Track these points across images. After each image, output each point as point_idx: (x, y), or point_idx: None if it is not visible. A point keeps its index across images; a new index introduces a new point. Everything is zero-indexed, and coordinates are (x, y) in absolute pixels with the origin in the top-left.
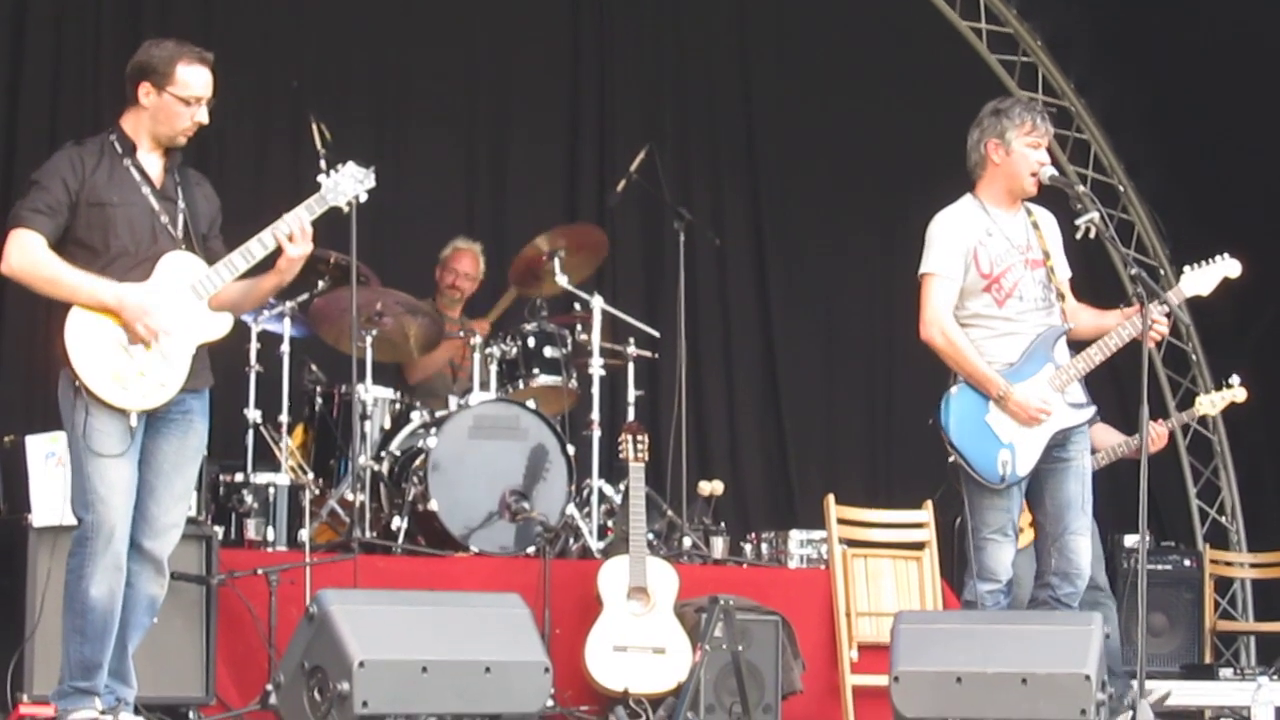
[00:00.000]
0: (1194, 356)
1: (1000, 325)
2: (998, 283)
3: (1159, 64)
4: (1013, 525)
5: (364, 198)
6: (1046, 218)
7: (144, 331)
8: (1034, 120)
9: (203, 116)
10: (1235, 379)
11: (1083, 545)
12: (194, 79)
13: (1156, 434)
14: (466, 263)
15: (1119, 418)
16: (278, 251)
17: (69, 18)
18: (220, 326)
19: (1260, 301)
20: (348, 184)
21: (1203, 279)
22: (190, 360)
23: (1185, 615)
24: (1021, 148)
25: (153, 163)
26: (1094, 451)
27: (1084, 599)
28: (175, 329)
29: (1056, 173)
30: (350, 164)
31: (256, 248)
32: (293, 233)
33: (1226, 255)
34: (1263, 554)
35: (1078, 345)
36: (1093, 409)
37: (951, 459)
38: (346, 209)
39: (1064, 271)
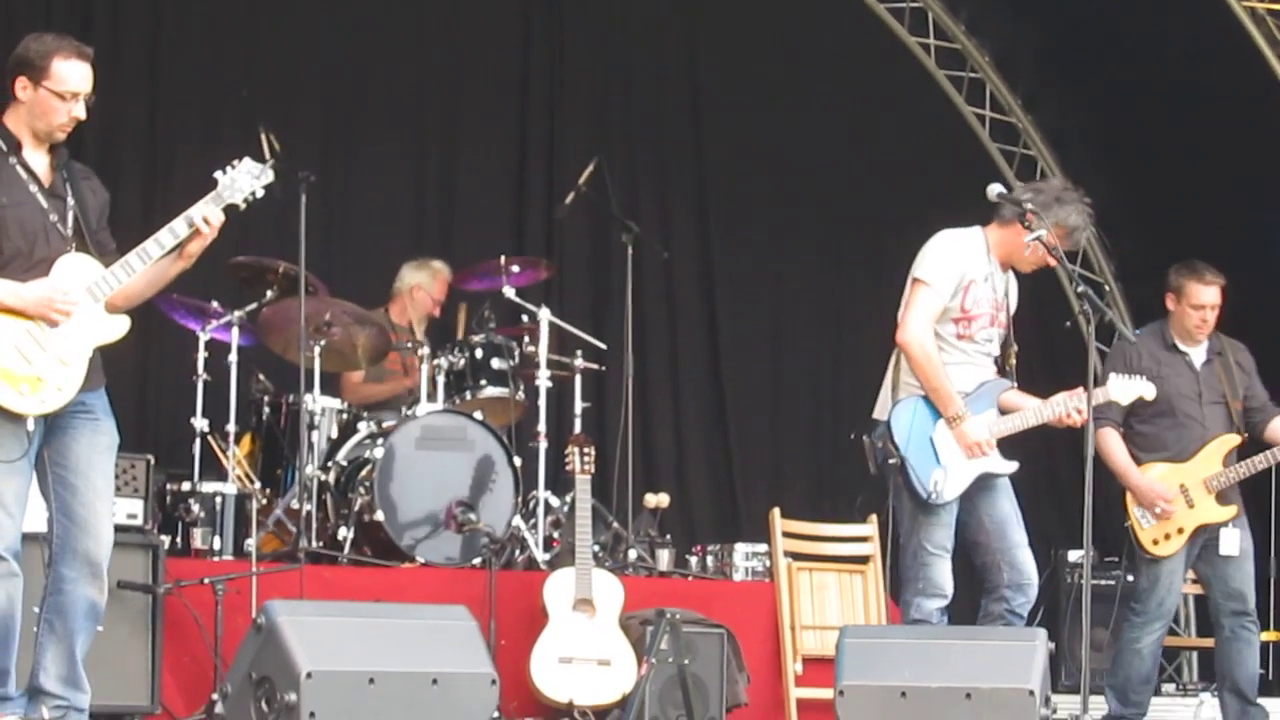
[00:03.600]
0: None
1: (957, 355)
2: (968, 322)
3: (1105, 81)
4: (950, 542)
5: (261, 194)
6: (1014, 288)
7: (59, 314)
8: (1076, 235)
9: (80, 112)
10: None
11: (1029, 556)
12: (70, 73)
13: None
14: (443, 288)
15: None
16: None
17: (16, 28)
18: (117, 328)
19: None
20: (244, 181)
21: (1125, 389)
22: (87, 363)
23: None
24: (1051, 251)
25: (39, 160)
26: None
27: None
28: (73, 331)
29: (1004, 189)
30: (247, 160)
31: (154, 248)
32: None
33: (1147, 381)
34: None
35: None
36: (1015, 464)
37: (892, 460)
38: (244, 206)
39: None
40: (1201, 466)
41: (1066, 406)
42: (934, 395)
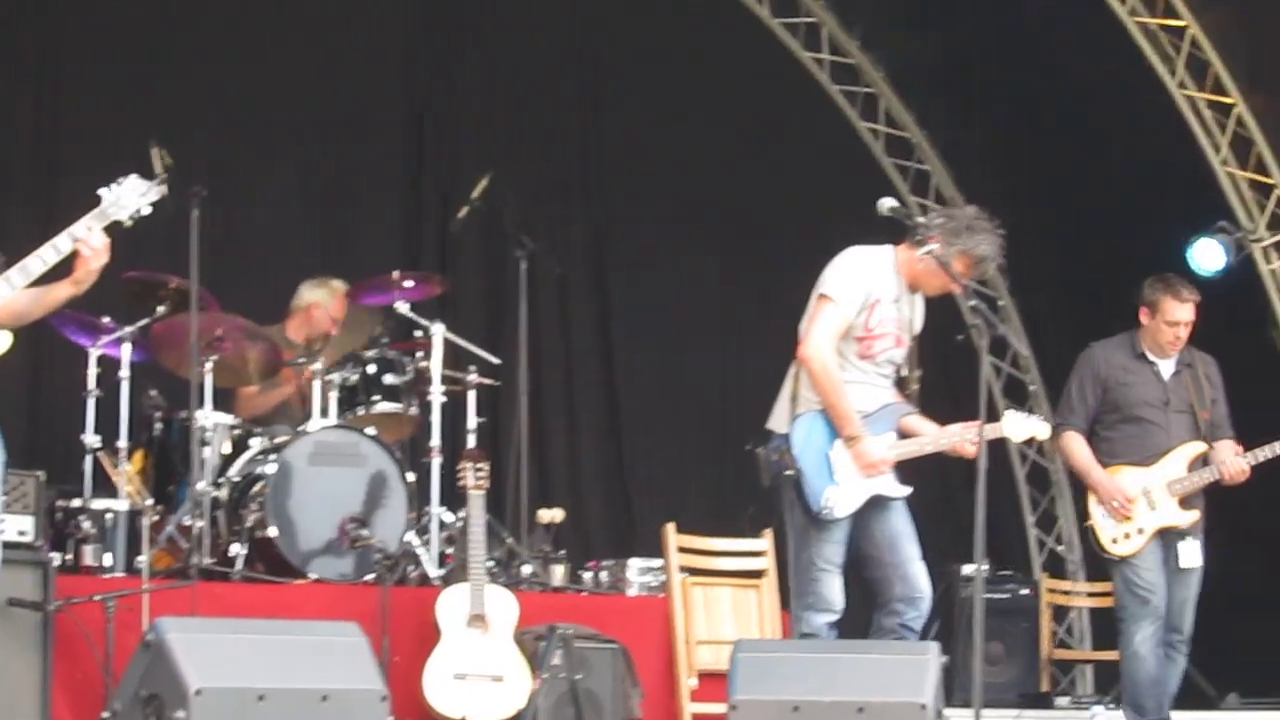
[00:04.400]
0: (1032, 388)
1: (856, 374)
2: (871, 341)
3: (1000, 95)
4: (841, 558)
5: (147, 211)
6: (920, 311)
7: None
8: (984, 265)
9: None
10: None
11: (922, 570)
12: None
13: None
14: (343, 306)
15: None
16: (70, 259)
17: None
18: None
19: (1098, 332)
20: (130, 198)
21: (1019, 426)
22: None
23: (1022, 644)
24: (952, 269)
25: None
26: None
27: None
28: None
29: (897, 204)
30: (133, 177)
31: (35, 264)
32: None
33: (1045, 420)
34: (1100, 583)
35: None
36: (909, 489)
37: (789, 473)
38: (130, 223)
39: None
40: (1166, 471)
41: (962, 438)
42: (832, 413)
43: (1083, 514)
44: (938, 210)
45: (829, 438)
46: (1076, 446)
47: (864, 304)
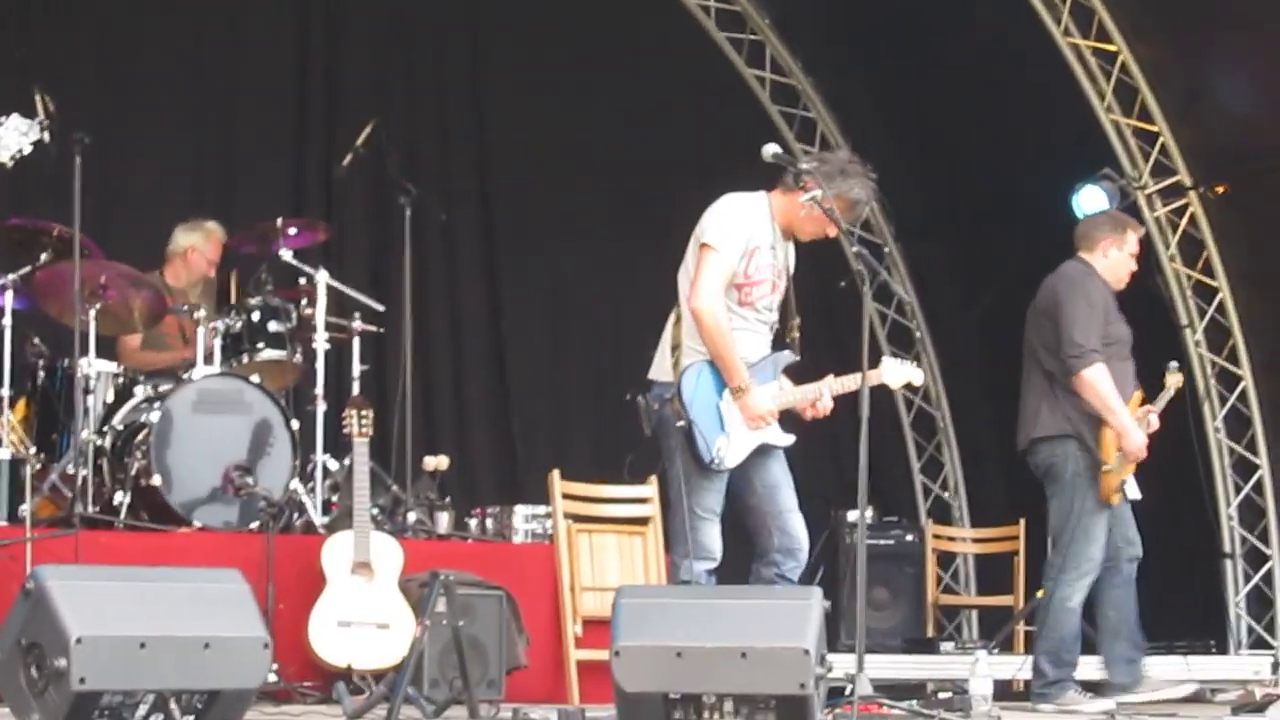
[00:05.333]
0: (918, 333)
1: (738, 321)
2: (750, 289)
3: (885, 43)
4: (721, 506)
5: (28, 151)
6: (792, 256)
7: None
8: (859, 209)
9: None
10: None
11: (800, 521)
12: None
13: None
14: (218, 247)
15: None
16: None
17: None
18: None
19: (984, 279)
20: (11, 138)
21: (896, 372)
22: None
23: (908, 589)
24: (834, 215)
25: None
26: None
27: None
28: None
29: (781, 150)
30: (14, 117)
31: None
32: None
33: (916, 365)
34: (984, 529)
35: None
36: (793, 438)
37: (680, 423)
38: (10, 163)
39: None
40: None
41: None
42: (721, 364)
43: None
44: (811, 155)
45: (718, 388)
46: (1106, 379)
47: (744, 251)
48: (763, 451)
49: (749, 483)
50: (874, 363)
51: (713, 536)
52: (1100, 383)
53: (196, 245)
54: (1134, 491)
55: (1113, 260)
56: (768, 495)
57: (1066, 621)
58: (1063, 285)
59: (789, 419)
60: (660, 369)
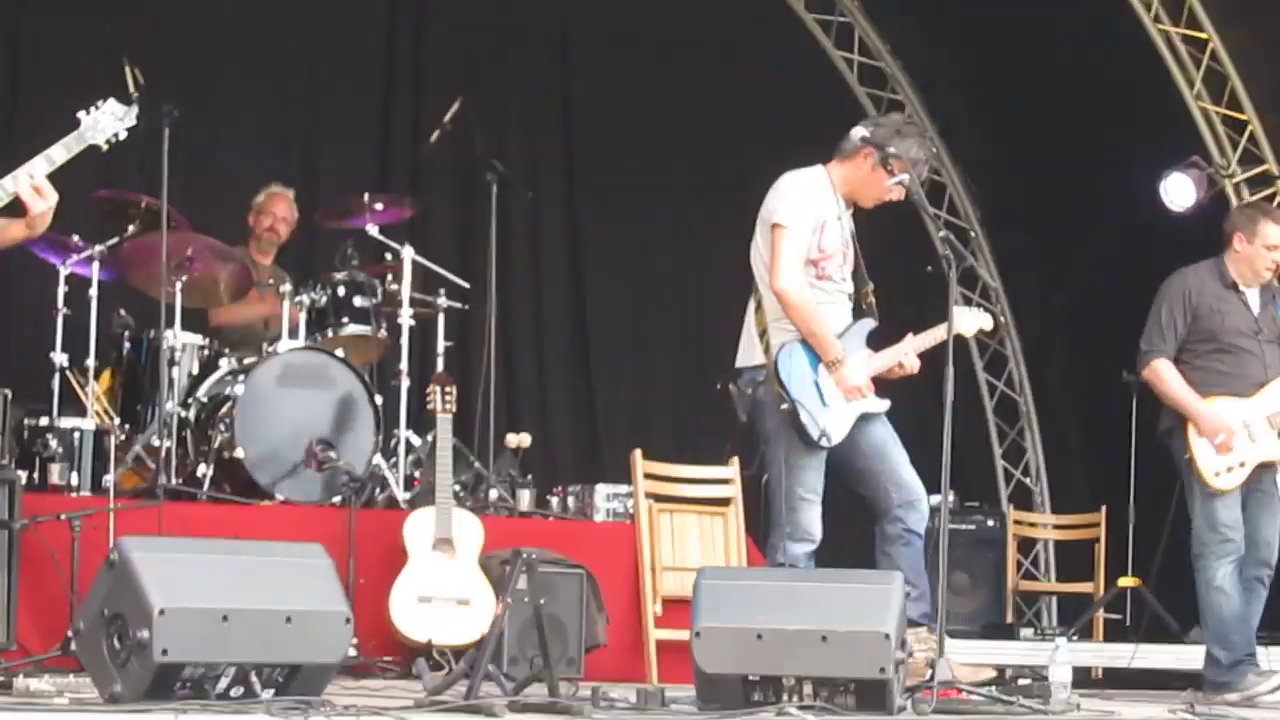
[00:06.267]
0: (1002, 319)
1: (820, 295)
2: (824, 262)
3: (975, 25)
4: (821, 487)
5: (124, 135)
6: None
7: None
8: (919, 169)
9: None
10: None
11: (914, 474)
12: None
13: None
14: (282, 207)
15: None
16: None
17: None
18: None
19: (1067, 266)
20: (108, 121)
21: (969, 320)
22: None
23: (988, 575)
24: (885, 175)
25: None
26: None
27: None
28: None
29: (868, 133)
30: (111, 101)
31: (9, 184)
32: (36, 188)
33: (983, 311)
34: (1065, 515)
35: None
36: (888, 402)
37: (784, 405)
38: (106, 147)
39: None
40: (1266, 402)
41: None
42: (813, 340)
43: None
44: (865, 121)
45: (813, 364)
46: (1170, 374)
47: (815, 226)
48: (863, 418)
49: (856, 448)
50: (960, 352)
51: (813, 518)
52: (1159, 380)
53: (258, 207)
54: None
55: (1244, 253)
56: (876, 455)
57: (1218, 602)
58: (1159, 290)
59: (880, 384)
60: (749, 355)
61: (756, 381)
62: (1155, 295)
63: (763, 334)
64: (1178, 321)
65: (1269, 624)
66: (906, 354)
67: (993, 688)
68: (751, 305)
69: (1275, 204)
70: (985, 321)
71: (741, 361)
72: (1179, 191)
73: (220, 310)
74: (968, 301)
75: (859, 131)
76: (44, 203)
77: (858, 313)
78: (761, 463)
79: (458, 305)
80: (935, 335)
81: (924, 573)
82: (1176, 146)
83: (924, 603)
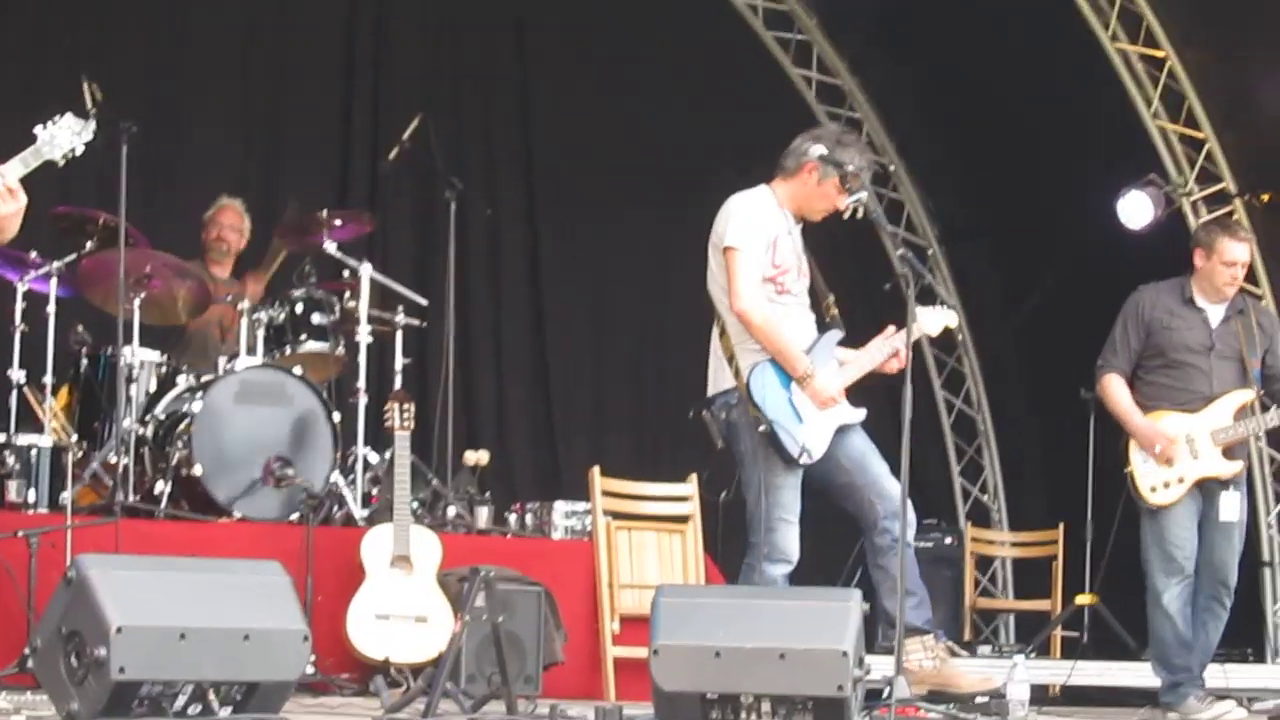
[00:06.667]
0: (960, 336)
1: (780, 311)
2: (780, 278)
3: (932, 43)
4: (799, 507)
5: (81, 151)
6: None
7: None
8: (864, 174)
9: None
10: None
11: (897, 484)
12: None
13: None
14: (231, 216)
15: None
16: None
17: None
18: None
19: (1026, 282)
20: (65, 137)
21: (933, 320)
22: None
23: (946, 592)
24: (834, 189)
25: None
26: None
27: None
28: None
29: (810, 147)
30: (69, 116)
31: None
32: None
33: (948, 307)
34: (1023, 533)
35: None
36: (864, 411)
37: (761, 428)
38: (63, 163)
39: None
40: (1211, 419)
41: (891, 348)
42: (780, 357)
43: (1008, 465)
44: (804, 135)
45: (784, 382)
46: (1116, 389)
47: (767, 243)
48: (840, 431)
49: (836, 463)
50: (918, 369)
51: (791, 539)
52: (1106, 394)
53: (208, 220)
54: (1227, 513)
55: (1204, 269)
56: (857, 468)
57: (1162, 625)
58: None
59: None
60: (719, 380)
61: (730, 405)
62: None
63: (730, 358)
64: (1130, 338)
65: (1225, 642)
66: (875, 359)
67: (950, 705)
68: (715, 332)
69: (1235, 221)
70: (950, 319)
71: (713, 388)
72: (1136, 209)
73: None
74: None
75: (802, 147)
76: (14, 204)
77: (822, 325)
78: (738, 486)
79: (416, 322)
80: (899, 337)
81: (921, 580)
82: (1134, 164)
83: (926, 609)
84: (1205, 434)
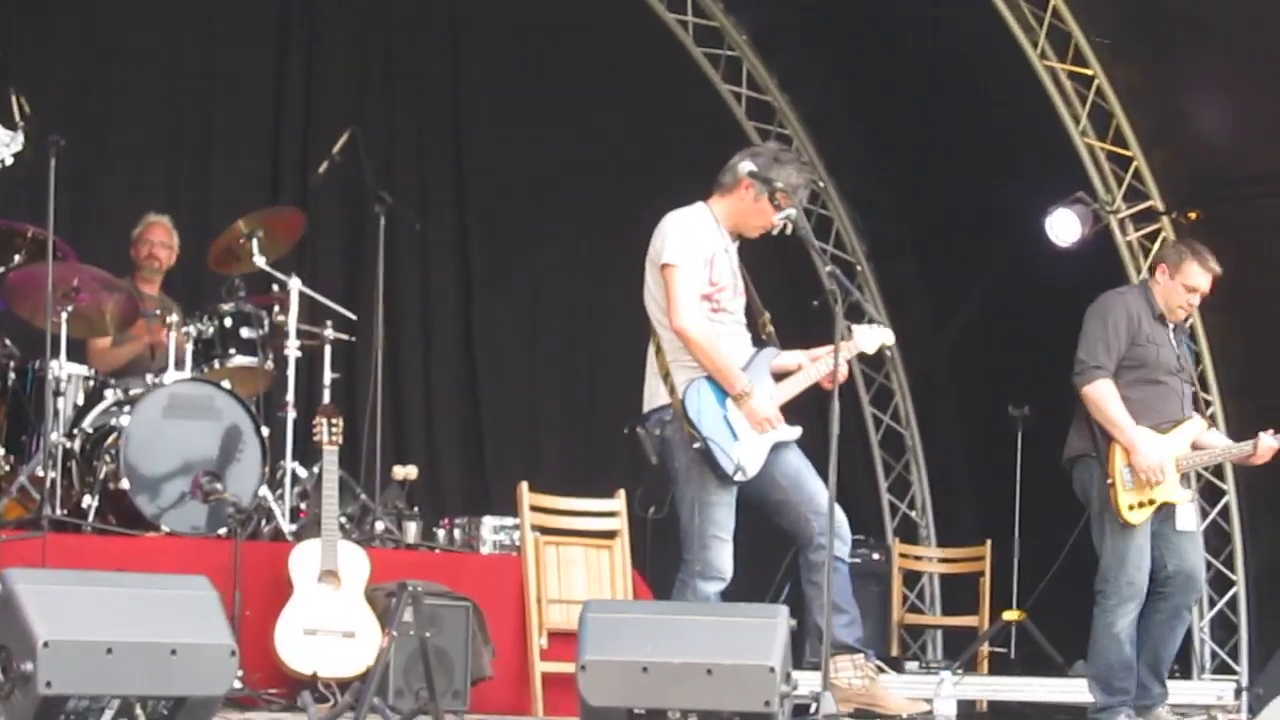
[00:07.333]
0: (889, 353)
1: (717, 328)
2: (717, 296)
3: (862, 61)
4: (733, 524)
5: (9, 162)
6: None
7: None
8: (799, 194)
9: None
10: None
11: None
12: None
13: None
14: (160, 234)
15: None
16: None
17: None
18: None
19: (956, 301)
20: None
21: (869, 338)
22: None
23: (874, 608)
24: (769, 205)
25: None
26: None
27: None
28: None
29: (747, 165)
30: None
31: None
32: None
33: (885, 326)
34: (950, 549)
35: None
36: (799, 430)
37: (696, 445)
38: None
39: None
40: (1176, 442)
41: (824, 367)
42: (718, 375)
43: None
44: (742, 153)
45: (720, 399)
46: (1110, 395)
47: (705, 260)
48: (775, 448)
49: (771, 480)
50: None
51: (724, 556)
52: (1100, 399)
53: (136, 238)
54: (1184, 522)
55: (1163, 286)
56: (792, 485)
57: (1110, 647)
58: (1090, 309)
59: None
60: (655, 397)
61: (664, 421)
62: (1087, 314)
63: (666, 375)
64: (1121, 341)
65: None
66: (810, 378)
67: None
68: (651, 349)
69: (1158, 241)
70: (887, 337)
71: (648, 405)
72: (1064, 227)
73: (100, 352)
74: None
75: (738, 164)
76: None
77: (758, 343)
78: (671, 503)
79: (345, 337)
80: (831, 357)
81: (853, 599)
82: (1062, 182)
83: (857, 628)
84: (1171, 458)
